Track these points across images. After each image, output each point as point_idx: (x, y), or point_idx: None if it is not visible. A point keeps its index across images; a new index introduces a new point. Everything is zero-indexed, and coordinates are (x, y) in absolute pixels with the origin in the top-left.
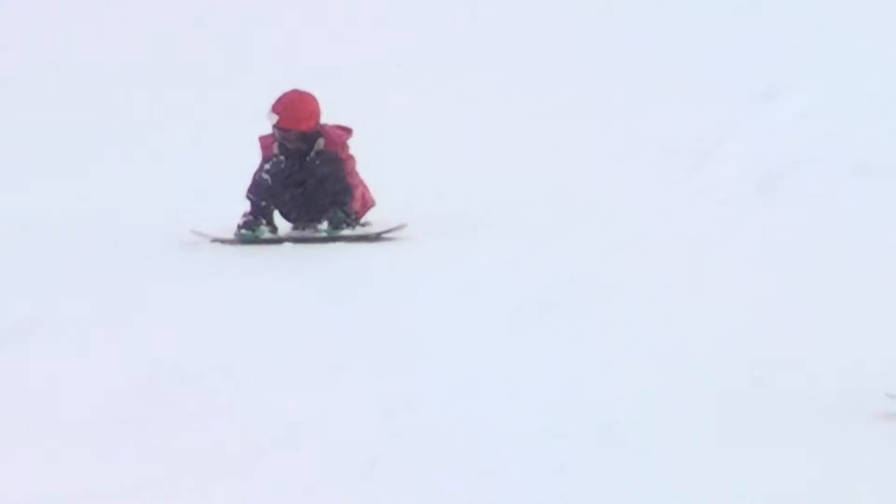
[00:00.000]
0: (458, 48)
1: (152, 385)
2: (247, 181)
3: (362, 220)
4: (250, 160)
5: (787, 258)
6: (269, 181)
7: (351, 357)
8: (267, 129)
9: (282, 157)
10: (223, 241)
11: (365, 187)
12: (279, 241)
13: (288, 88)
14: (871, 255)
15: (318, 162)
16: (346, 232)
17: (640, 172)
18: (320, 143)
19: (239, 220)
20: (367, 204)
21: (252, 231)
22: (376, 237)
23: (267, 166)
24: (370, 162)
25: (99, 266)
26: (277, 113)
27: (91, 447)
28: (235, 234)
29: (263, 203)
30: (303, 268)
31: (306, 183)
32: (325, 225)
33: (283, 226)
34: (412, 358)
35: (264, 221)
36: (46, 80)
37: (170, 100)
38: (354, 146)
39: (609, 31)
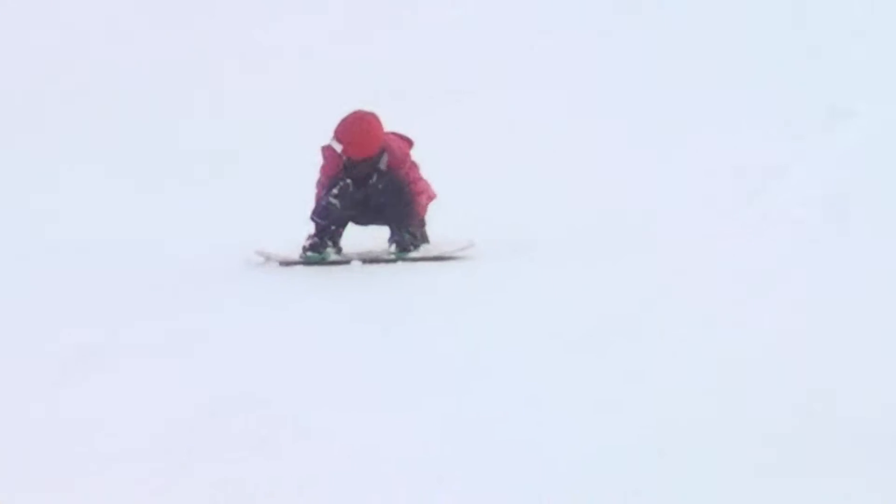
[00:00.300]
0: (514, 68)
1: (218, 413)
2: (304, 197)
3: (428, 239)
4: (306, 177)
5: (857, 288)
6: (338, 205)
7: (412, 379)
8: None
9: (348, 181)
10: (288, 263)
11: (427, 185)
12: (346, 261)
13: (351, 110)
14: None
15: (380, 186)
16: (413, 254)
17: (704, 198)
18: (384, 160)
19: (304, 241)
20: (431, 199)
21: (318, 253)
22: (443, 258)
23: (335, 191)
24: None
25: (161, 293)
26: (341, 142)
27: (160, 475)
28: (301, 256)
29: (332, 227)
30: (366, 289)
31: (370, 203)
32: (392, 247)
33: (349, 245)
34: (473, 378)
35: (330, 244)
36: (98, 112)
37: (218, 126)
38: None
39: (672, 58)
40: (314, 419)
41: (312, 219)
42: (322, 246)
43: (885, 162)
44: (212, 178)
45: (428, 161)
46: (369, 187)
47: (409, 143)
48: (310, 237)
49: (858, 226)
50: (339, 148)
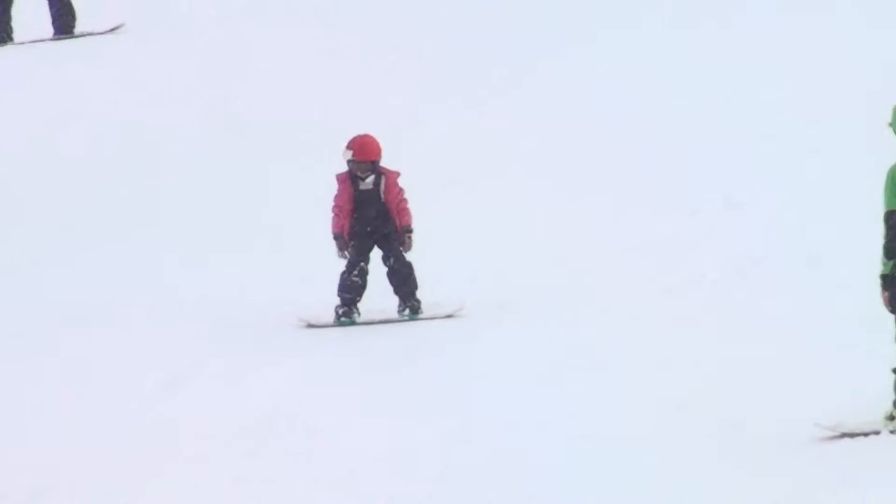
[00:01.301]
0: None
1: (266, 426)
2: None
3: (430, 304)
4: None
5: (757, 329)
6: (360, 282)
7: (416, 404)
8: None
9: (365, 267)
10: (321, 326)
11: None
12: (369, 322)
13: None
14: (816, 331)
15: (380, 192)
16: (421, 316)
17: (637, 264)
18: (379, 172)
19: (337, 309)
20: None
21: (350, 319)
22: (445, 316)
23: (355, 272)
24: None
25: (226, 340)
26: (352, 149)
27: (225, 472)
28: (335, 322)
29: (356, 298)
30: (381, 338)
31: (372, 226)
32: (406, 312)
33: (367, 309)
34: (466, 404)
35: (357, 310)
36: (168, 177)
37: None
38: None
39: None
40: (337, 431)
41: (340, 295)
42: (350, 313)
43: (773, 239)
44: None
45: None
46: (370, 192)
47: (398, 173)
48: (339, 306)
49: (760, 284)
50: (349, 155)
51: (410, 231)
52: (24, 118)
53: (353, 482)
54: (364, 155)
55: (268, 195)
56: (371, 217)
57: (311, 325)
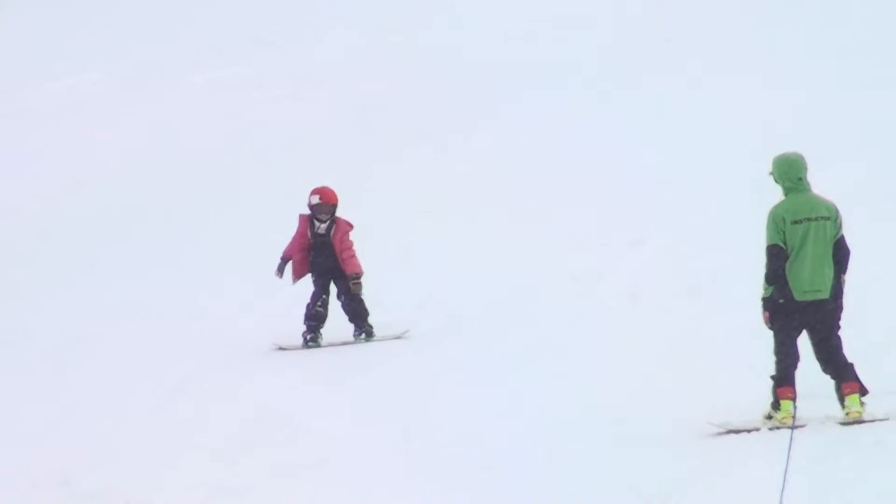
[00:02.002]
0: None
1: (264, 420)
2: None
3: (382, 325)
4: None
5: (650, 344)
6: (323, 312)
7: (381, 397)
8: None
9: (326, 298)
10: (291, 349)
11: (356, 259)
12: (330, 344)
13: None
14: (705, 346)
15: (330, 235)
16: (374, 339)
17: (561, 291)
18: (334, 220)
19: (305, 335)
20: (358, 267)
21: (315, 342)
22: (395, 337)
23: (319, 303)
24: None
25: (219, 361)
26: (318, 194)
27: (230, 456)
28: (303, 345)
29: (319, 326)
30: (342, 355)
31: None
32: (361, 336)
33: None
34: (419, 401)
35: (320, 335)
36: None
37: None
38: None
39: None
40: (320, 425)
41: (306, 322)
42: (316, 338)
43: (673, 265)
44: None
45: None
46: (324, 237)
47: (352, 225)
48: (306, 332)
49: (654, 309)
50: (315, 199)
51: (355, 278)
52: None
53: (328, 468)
54: (328, 199)
55: (269, 225)
56: (325, 257)
57: (281, 348)
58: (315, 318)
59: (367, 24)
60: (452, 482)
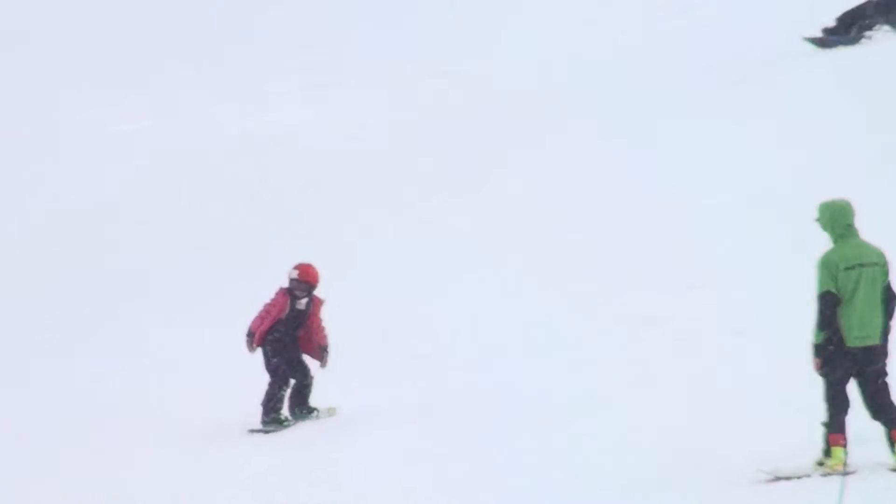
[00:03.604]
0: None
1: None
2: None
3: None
4: None
5: (700, 393)
6: (285, 395)
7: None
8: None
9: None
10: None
11: (324, 331)
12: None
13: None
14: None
15: (306, 311)
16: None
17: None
18: (311, 298)
19: (264, 417)
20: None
21: (280, 423)
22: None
23: (286, 387)
24: None
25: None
26: (297, 270)
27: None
28: (265, 426)
29: (280, 407)
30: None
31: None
32: (304, 413)
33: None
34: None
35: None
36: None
37: None
38: None
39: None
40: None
41: (266, 405)
42: (279, 419)
43: (723, 309)
44: None
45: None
46: (302, 312)
47: (322, 301)
48: (268, 413)
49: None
50: (294, 274)
51: (327, 350)
52: None
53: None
54: (306, 277)
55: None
56: (293, 334)
57: (252, 431)
58: (280, 400)
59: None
60: None
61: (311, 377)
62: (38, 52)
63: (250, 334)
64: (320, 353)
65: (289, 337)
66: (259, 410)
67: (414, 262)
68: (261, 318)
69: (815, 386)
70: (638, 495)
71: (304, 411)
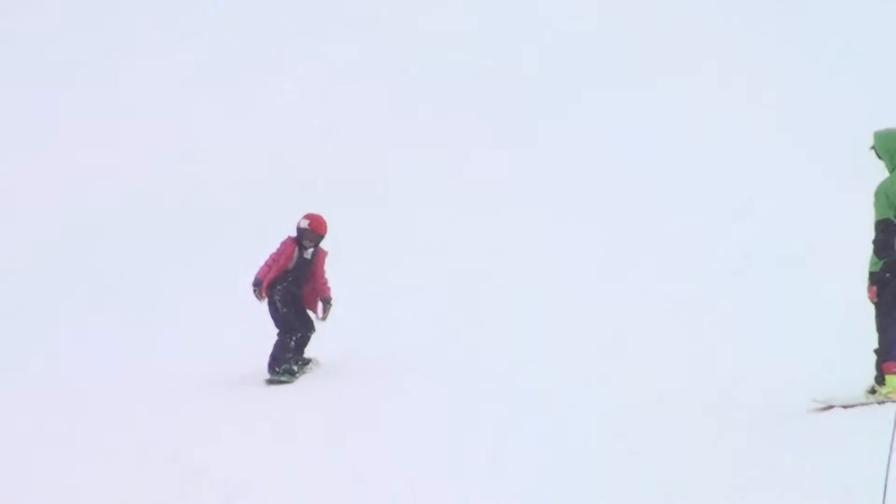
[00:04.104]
0: None
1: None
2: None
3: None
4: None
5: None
6: (294, 345)
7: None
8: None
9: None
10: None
11: (328, 285)
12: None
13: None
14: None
15: (311, 261)
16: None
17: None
18: (318, 249)
19: (294, 363)
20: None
21: (293, 375)
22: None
23: (297, 336)
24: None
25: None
26: (308, 219)
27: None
28: (274, 377)
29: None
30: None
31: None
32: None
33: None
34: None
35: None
36: None
37: None
38: None
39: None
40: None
41: (278, 356)
42: (291, 370)
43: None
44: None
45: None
46: (308, 262)
47: (327, 253)
48: (284, 362)
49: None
50: (304, 223)
51: (329, 303)
52: None
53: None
54: (317, 227)
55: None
56: (301, 284)
57: (269, 382)
58: (288, 350)
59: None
60: None
61: (314, 330)
62: None
63: (257, 283)
64: (322, 305)
65: (296, 287)
66: (265, 361)
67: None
68: (267, 266)
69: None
70: (688, 427)
71: (301, 363)
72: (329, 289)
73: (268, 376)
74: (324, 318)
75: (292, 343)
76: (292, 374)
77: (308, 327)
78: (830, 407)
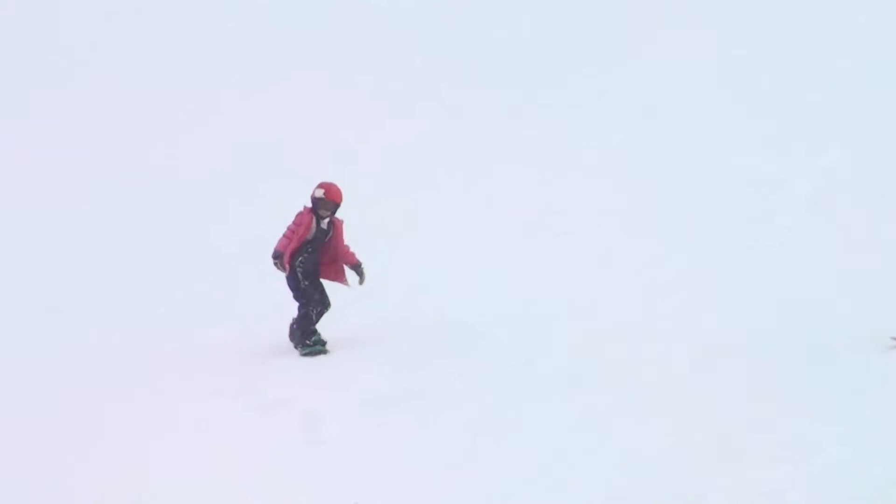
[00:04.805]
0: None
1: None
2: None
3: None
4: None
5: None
6: (317, 318)
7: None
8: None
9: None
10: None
11: (350, 250)
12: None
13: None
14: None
15: (329, 231)
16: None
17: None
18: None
19: (306, 340)
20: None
21: (322, 346)
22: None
23: (320, 309)
24: None
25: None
26: (323, 188)
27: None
28: (305, 350)
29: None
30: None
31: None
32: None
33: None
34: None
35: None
36: None
37: None
38: None
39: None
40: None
41: (306, 329)
42: (321, 341)
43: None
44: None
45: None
46: (326, 232)
47: (342, 221)
48: (307, 336)
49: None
50: (320, 192)
51: (360, 266)
52: None
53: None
54: (332, 196)
55: None
56: (319, 254)
57: (304, 355)
58: (313, 322)
59: None
60: None
61: (330, 306)
62: None
63: (277, 255)
64: (356, 270)
65: (315, 258)
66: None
67: None
68: (287, 238)
69: None
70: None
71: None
72: (354, 254)
73: (300, 350)
74: (361, 282)
75: (314, 316)
76: (322, 344)
77: (325, 303)
78: None
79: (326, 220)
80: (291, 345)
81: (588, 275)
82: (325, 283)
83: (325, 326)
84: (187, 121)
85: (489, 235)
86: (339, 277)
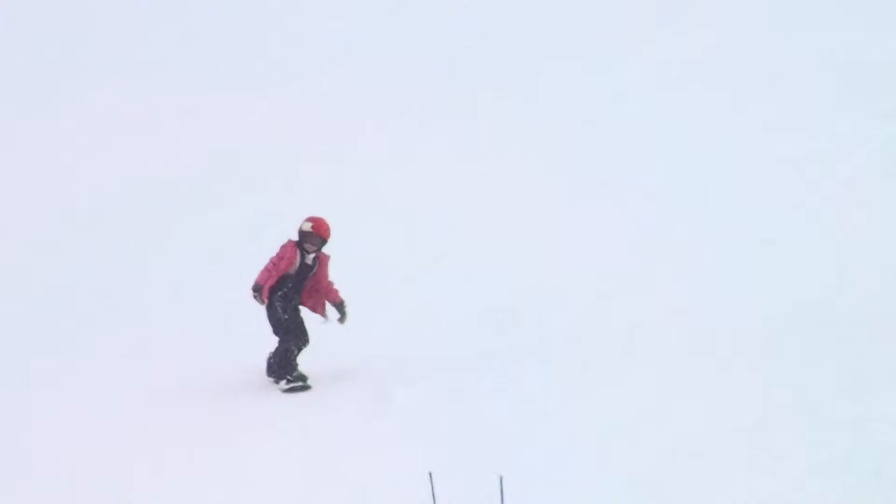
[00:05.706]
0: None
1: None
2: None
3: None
4: None
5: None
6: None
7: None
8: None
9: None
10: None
11: (334, 287)
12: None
13: (313, 214)
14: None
15: (313, 267)
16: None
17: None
18: (319, 255)
19: (288, 377)
20: (338, 294)
21: (303, 382)
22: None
23: (300, 345)
24: None
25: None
26: (311, 222)
27: None
28: (288, 386)
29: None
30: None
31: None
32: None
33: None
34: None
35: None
36: None
37: None
38: None
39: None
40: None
41: (286, 365)
42: (302, 377)
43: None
44: None
45: None
46: (310, 268)
47: (329, 256)
48: (289, 374)
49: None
50: (308, 226)
51: (344, 305)
52: None
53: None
54: (320, 231)
55: None
56: (301, 290)
57: (286, 391)
58: (294, 358)
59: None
60: None
61: (308, 342)
62: None
63: (257, 288)
64: (337, 309)
65: (295, 292)
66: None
67: None
68: (267, 271)
69: None
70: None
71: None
72: (337, 291)
73: (283, 385)
74: (342, 321)
75: (294, 349)
76: (304, 379)
77: (304, 339)
78: None
79: (312, 256)
80: (270, 380)
81: (575, 268)
82: (305, 311)
83: (304, 359)
84: (183, 123)
85: (489, 236)
86: (319, 309)
